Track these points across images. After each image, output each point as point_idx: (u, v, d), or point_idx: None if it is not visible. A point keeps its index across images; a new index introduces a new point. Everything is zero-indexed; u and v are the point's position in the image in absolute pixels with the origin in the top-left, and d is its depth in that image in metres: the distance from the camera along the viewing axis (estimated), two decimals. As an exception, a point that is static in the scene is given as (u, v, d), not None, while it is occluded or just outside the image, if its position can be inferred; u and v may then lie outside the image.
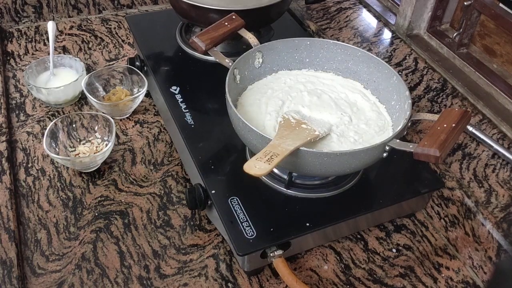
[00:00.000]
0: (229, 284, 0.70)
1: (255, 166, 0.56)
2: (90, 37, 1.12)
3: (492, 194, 0.75)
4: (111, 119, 0.84)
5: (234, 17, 0.79)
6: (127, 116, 0.93)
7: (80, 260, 0.71)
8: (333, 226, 0.70)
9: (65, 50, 1.08)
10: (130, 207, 0.78)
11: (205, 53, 0.75)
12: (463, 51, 0.96)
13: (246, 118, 0.68)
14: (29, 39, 1.10)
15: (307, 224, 0.68)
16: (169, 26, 1.01)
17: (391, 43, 1.05)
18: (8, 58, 1.05)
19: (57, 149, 0.82)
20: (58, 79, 0.96)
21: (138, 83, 0.94)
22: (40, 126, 0.90)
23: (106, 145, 0.84)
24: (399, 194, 0.74)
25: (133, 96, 0.90)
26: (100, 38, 1.12)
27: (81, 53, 1.07)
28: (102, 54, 1.07)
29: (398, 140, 0.64)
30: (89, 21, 1.16)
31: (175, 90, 0.87)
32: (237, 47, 0.95)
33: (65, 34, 1.12)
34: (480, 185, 0.76)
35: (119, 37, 1.12)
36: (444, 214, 0.77)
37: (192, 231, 0.75)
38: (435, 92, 0.92)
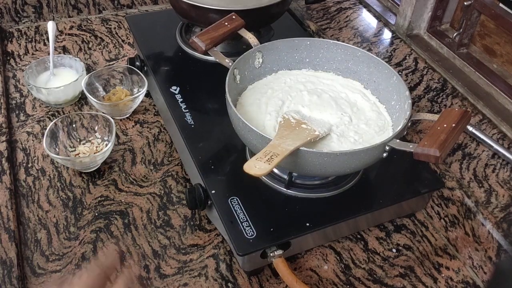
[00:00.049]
0: (229, 284, 0.70)
1: (255, 166, 0.56)
2: (90, 37, 1.12)
3: (492, 194, 0.75)
4: (111, 119, 0.84)
5: (234, 17, 0.79)
6: (127, 116, 0.93)
7: (80, 260, 0.71)
8: (333, 226, 0.70)
9: (65, 50, 1.08)
10: (130, 207, 0.78)
11: (205, 53, 0.75)
12: (463, 51, 0.96)
13: (246, 118, 0.68)
14: (29, 39, 1.10)
15: (307, 224, 0.68)
16: (169, 26, 1.01)
17: (391, 43, 1.05)
18: (8, 58, 1.05)
19: (57, 149, 0.82)
20: (58, 79, 0.96)
21: (138, 83, 0.94)
22: (40, 126, 0.90)
23: (106, 145, 0.84)
24: (399, 194, 0.74)
25: (133, 96, 0.90)
26: (100, 38, 1.12)
27: (81, 53, 1.07)
28: (102, 54, 1.07)
29: (398, 140, 0.64)
30: (89, 21, 1.16)
31: (175, 90, 0.87)
32: (237, 47, 0.95)
33: (65, 34, 1.12)
34: (480, 185, 0.76)
35: (119, 37, 1.12)
36: (444, 214, 0.77)
37: (192, 231, 0.75)
38: (435, 92, 0.92)
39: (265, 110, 0.74)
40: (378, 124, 0.73)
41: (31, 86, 0.90)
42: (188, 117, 0.82)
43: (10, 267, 0.67)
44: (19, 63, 1.04)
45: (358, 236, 0.77)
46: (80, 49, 1.08)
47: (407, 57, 1.00)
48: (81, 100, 0.96)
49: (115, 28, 1.15)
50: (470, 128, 0.82)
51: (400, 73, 0.96)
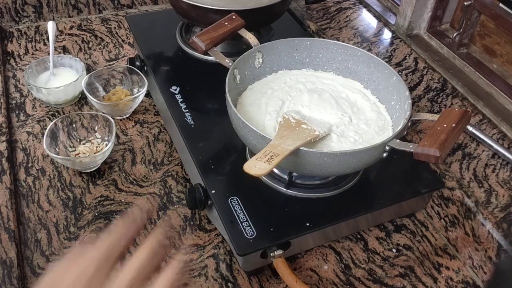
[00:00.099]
0: (229, 284, 0.70)
1: (255, 166, 0.56)
2: (90, 37, 1.12)
3: (492, 194, 0.75)
4: (111, 119, 0.84)
5: (234, 17, 0.79)
6: (127, 116, 0.93)
7: (80, 260, 0.71)
8: (333, 226, 0.70)
9: (65, 50, 1.08)
10: (130, 207, 0.78)
11: (205, 53, 0.75)
12: (463, 51, 0.96)
13: (246, 118, 0.68)
14: (29, 39, 1.10)
15: (307, 224, 0.68)
16: (169, 26, 1.01)
17: (391, 43, 1.05)
18: (8, 58, 1.05)
19: (57, 149, 0.82)
20: (58, 79, 0.96)
21: (138, 83, 0.94)
22: (40, 126, 0.90)
23: (106, 145, 0.84)
24: (399, 194, 0.74)
25: (133, 96, 0.90)
26: (100, 38, 1.12)
27: (81, 53, 1.07)
28: (102, 54, 1.07)
29: (398, 140, 0.64)
30: (89, 21, 1.16)
31: (175, 90, 0.87)
32: (237, 47, 0.95)
33: (65, 34, 1.12)
34: (480, 185, 0.76)
35: (119, 37, 1.12)
36: (444, 214, 0.77)
37: (192, 231, 0.75)
38: (435, 92, 0.92)
39: (265, 110, 0.74)
40: (378, 124, 0.73)
41: (31, 86, 0.90)
42: (188, 117, 0.82)
43: (10, 267, 0.67)
44: (19, 63, 1.04)
45: (358, 236, 0.77)
46: (80, 49, 1.08)
47: (407, 57, 1.00)
48: (81, 100, 0.96)
49: (115, 28, 1.15)
50: (470, 128, 0.82)
51: (400, 73, 0.96)
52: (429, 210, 0.80)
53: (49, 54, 0.97)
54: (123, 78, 0.96)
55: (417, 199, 0.77)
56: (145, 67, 0.96)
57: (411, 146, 0.61)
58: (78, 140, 0.86)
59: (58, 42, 1.09)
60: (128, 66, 0.95)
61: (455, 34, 0.97)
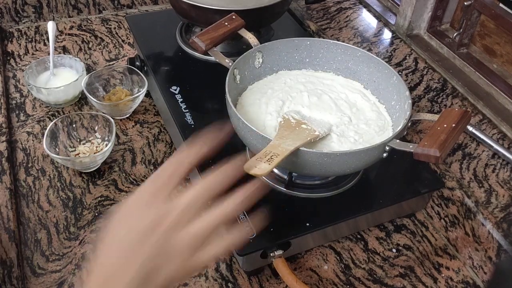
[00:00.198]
0: (229, 284, 0.70)
1: (255, 166, 0.56)
2: (90, 37, 1.12)
3: (492, 194, 0.75)
4: (111, 119, 0.84)
5: (234, 17, 0.79)
6: (127, 116, 0.93)
7: (80, 260, 0.71)
8: (333, 226, 0.70)
9: (65, 50, 1.08)
10: (130, 207, 0.78)
11: (205, 53, 0.75)
12: (463, 51, 0.96)
13: (246, 118, 0.68)
14: (29, 39, 1.10)
15: (307, 224, 0.68)
16: (169, 26, 1.01)
17: (391, 43, 1.05)
18: (8, 58, 1.05)
19: (57, 149, 0.82)
20: (58, 79, 0.96)
21: (138, 83, 0.94)
22: (40, 126, 0.90)
23: (106, 145, 0.84)
24: (399, 194, 0.74)
25: (133, 96, 0.90)
26: (100, 38, 1.12)
27: (81, 53, 1.07)
28: (102, 54, 1.07)
29: (398, 140, 0.64)
30: (89, 21, 1.16)
31: (175, 90, 0.87)
32: (237, 47, 0.95)
33: (65, 34, 1.12)
34: (480, 185, 0.76)
35: (119, 37, 1.12)
36: (444, 214, 0.77)
37: (192, 231, 0.75)
38: (435, 92, 0.92)
39: (265, 110, 0.74)
40: (378, 124, 0.73)
41: (31, 86, 0.90)
42: (188, 117, 0.82)
43: (10, 267, 0.67)
44: (19, 63, 1.04)
45: (358, 236, 0.77)
46: (80, 49, 1.08)
47: (407, 57, 1.00)
48: (81, 100, 0.96)
49: (115, 28, 1.15)
50: (470, 128, 0.82)
51: (400, 73, 0.96)
52: (429, 210, 0.80)
53: (49, 54, 0.97)
54: (123, 78, 0.96)
55: (417, 199, 0.77)
56: (145, 67, 0.96)
57: (411, 146, 0.61)
58: (78, 140, 0.86)
59: (58, 42, 1.09)
60: (128, 66, 0.95)
61: (455, 34, 0.97)
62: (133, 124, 0.92)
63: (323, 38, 1.03)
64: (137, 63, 0.96)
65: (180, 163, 0.47)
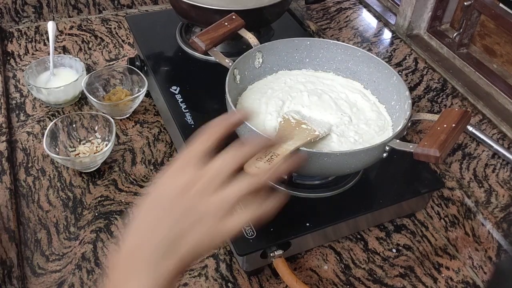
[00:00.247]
0: (229, 284, 0.70)
1: (254, 166, 0.56)
2: (90, 37, 1.12)
3: (492, 194, 0.75)
4: (111, 119, 0.84)
5: (234, 17, 0.79)
6: (127, 116, 0.93)
7: (80, 260, 0.71)
8: (333, 226, 0.70)
9: (65, 50, 1.08)
10: (130, 207, 0.78)
11: (205, 53, 0.75)
12: (463, 51, 0.96)
13: (246, 118, 0.68)
14: (29, 39, 1.10)
15: (307, 224, 0.68)
16: (169, 26, 1.01)
17: (391, 43, 1.05)
18: (8, 58, 1.05)
19: (57, 149, 0.82)
20: (58, 79, 0.96)
21: (138, 83, 0.94)
22: (40, 126, 0.90)
23: (106, 145, 0.84)
24: (399, 194, 0.74)
25: (133, 96, 0.90)
26: (100, 38, 1.12)
27: (81, 53, 1.07)
28: (102, 54, 1.07)
29: (398, 140, 0.64)
30: (89, 21, 1.16)
31: (175, 90, 0.87)
32: (237, 47, 0.95)
33: (65, 34, 1.12)
34: (480, 185, 0.76)
35: (119, 37, 1.12)
36: (444, 214, 0.77)
37: (192, 231, 0.75)
38: (435, 92, 0.92)
39: (265, 110, 0.74)
40: (378, 124, 0.73)
41: (31, 86, 0.90)
42: (188, 117, 0.82)
43: (10, 267, 0.67)
44: (19, 63, 1.04)
45: (358, 236, 0.77)
46: (80, 49, 1.08)
47: (407, 57, 1.00)
48: (81, 100, 0.96)
49: (115, 28, 1.15)
50: (470, 128, 0.82)
51: (400, 73, 0.96)
52: (429, 210, 0.80)
53: (49, 54, 0.97)
54: (123, 78, 0.96)
55: (417, 199, 0.77)
56: (145, 67, 0.96)
57: (411, 146, 0.61)
58: (78, 140, 0.86)
59: (58, 42, 1.09)
60: (128, 66, 0.95)
61: (455, 34, 0.97)
62: (133, 124, 0.92)
63: (323, 38, 1.03)
64: (137, 63, 0.96)
65: (212, 131, 0.49)
